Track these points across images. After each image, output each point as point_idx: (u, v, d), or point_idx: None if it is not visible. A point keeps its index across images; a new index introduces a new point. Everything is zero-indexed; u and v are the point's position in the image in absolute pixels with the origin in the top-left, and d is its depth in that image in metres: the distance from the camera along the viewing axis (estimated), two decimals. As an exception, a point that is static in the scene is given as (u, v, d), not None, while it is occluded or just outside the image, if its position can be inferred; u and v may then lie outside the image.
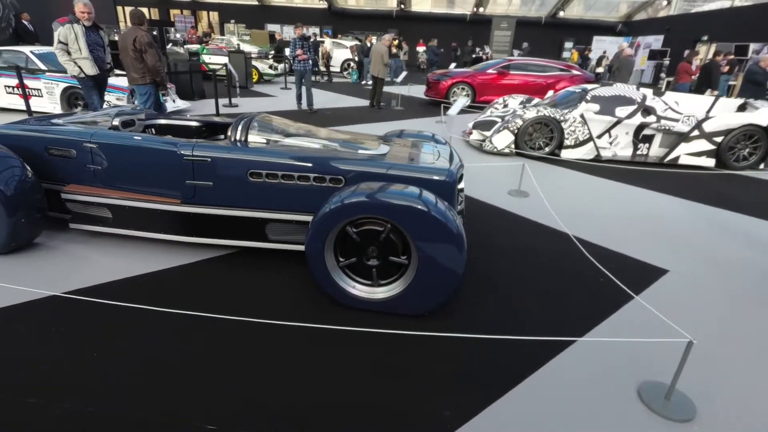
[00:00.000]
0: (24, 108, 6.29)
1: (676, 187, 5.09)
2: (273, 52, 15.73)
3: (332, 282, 2.37)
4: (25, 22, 10.45)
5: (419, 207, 2.16)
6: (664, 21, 21.34)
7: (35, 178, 2.78)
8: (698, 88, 9.57)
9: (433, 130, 4.12)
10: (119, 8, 19.12)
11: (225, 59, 11.25)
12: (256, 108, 8.94)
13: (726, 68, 11.49)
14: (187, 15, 26.99)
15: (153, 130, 3.48)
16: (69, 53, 4.85)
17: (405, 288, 2.31)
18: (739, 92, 9.25)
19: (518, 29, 19.62)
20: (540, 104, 6.86)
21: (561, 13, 24.58)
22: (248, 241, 2.80)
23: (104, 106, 5.41)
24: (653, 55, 19.13)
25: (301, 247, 2.59)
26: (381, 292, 2.37)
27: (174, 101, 7.79)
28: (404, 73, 11.05)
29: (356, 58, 15.48)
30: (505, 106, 7.29)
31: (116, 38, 13.24)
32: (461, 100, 5.89)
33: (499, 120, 6.44)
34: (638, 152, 6.03)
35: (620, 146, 6.02)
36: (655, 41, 19.59)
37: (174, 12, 27.07)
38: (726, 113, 6.00)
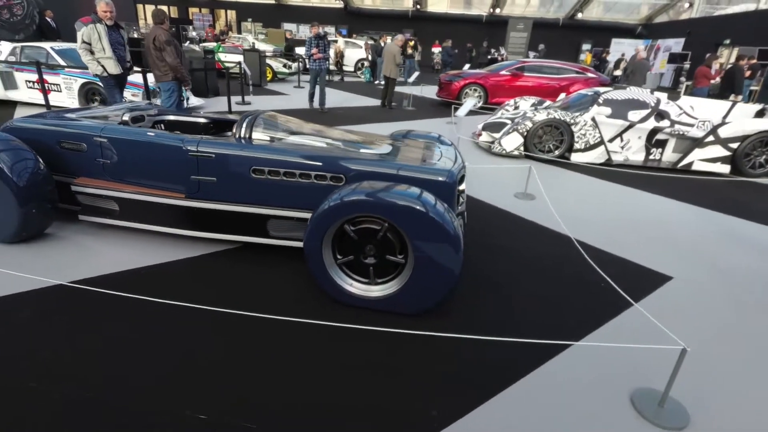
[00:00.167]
0: (43, 102, 6.46)
1: (689, 193, 4.99)
2: (282, 50, 15.86)
3: (329, 279, 2.40)
4: (49, 19, 10.73)
5: (416, 207, 2.17)
6: (685, 24, 20.91)
7: (47, 171, 2.86)
8: (721, 93, 9.38)
9: (443, 131, 4.13)
10: (139, 6, 19.50)
11: (240, 57, 11.40)
12: (269, 106, 9.04)
13: (748, 73, 11.21)
14: (205, 13, 27.40)
15: (162, 125, 3.55)
16: (92, 53, 4.96)
17: (401, 287, 2.33)
18: (758, 97, 9.02)
19: (535, 31, 19.44)
20: (551, 107, 6.80)
21: (579, 15, 24.26)
22: (250, 236, 2.84)
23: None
24: (673, 58, 18.76)
25: (302, 244, 2.62)
26: (377, 291, 2.39)
27: (188, 98, 7.92)
28: (416, 73, 11.07)
29: (369, 57, 15.51)
30: (516, 108, 7.23)
31: (135, 35, 13.55)
32: (470, 101, 5.88)
33: (508, 122, 6.39)
34: (651, 157, 5.93)
35: (632, 150, 5.92)
36: (676, 44, 19.21)
37: (193, 10, 27.51)
38: (743, 119, 5.86)
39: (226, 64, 9.37)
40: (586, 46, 23.70)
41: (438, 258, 2.21)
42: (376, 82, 14.49)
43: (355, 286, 2.42)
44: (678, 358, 1.76)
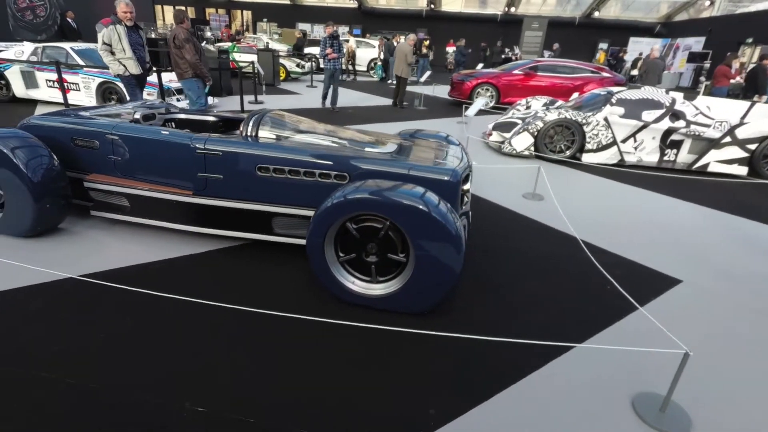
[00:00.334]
0: (62, 101, 6.64)
1: (703, 195, 4.88)
2: (291, 49, 15.94)
3: (331, 276, 2.42)
4: (70, 20, 11.02)
5: (418, 206, 2.17)
6: (706, 22, 20.40)
7: (61, 167, 2.94)
8: (745, 94, 9.16)
9: (453, 131, 4.12)
10: (158, 7, 19.85)
11: (254, 57, 11.52)
12: (281, 105, 9.12)
13: (771, 72, 10.89)
14: (221, 14, 27.76)
15: (173, 123, 3.62)
16: (113, 54, 5.05)
17: (402, 286, 2.33)
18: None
19: (550, 30, 19.18)
20: (563, 107, 6.71)
21: (596, 14, 23.87)
22: (255, 233, 2.88)
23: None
24: (693, 57, 18.33)
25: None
26: (378, 289, 2.40)
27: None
28: (428, 73, 11.04)
29: (382, 56, 15.51)
30: (528, 107, 7.16)
31: (153, 36, 13.81)
32: (479, 101, 5.85)
33: (519, 122, 6.34)
34: (665, 158, 5.82)
35: (646, 151, 5.82)
36: (696, 43, 18.77)
37: (209, 11, 27.90)
38: (762, 119, 5.70)
39: (240, 64, 9.49)
40: (602, 45, 23.31)
41: (439, 257, 2.20)
42: (389, 81, 14.49)
43: (357, 284, 2.43)
44: (680, 362, 1.73)
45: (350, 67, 15.74)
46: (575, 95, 7.67)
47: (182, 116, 3.68)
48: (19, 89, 7.62)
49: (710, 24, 19.70)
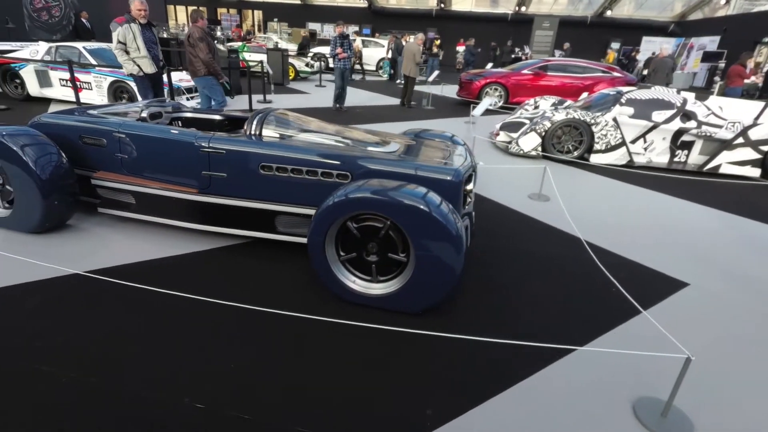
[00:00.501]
0: (74, 100, 6.74)
1: (714, 197, 4.80)
2: (296, 48, 15.98)
3: (332, 275, 2.42)
4: (84, 20, 11.18)
5: (419, 206, 2.16)
6: (721, 21, 20.03)
7: (69, 165, 2.99)
8: (761, 94, 8.99)
9: (461, 131, 4.10)
10: (170, 7, 20.07)
11: (264, 56, 11.59)
12: (289, 104, 9.16)
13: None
14: (233, 14, 27.98)
15: (179, 122, 3.66)
16: (127, 53, 5.10)
17: (402, 285, 2.32)
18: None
19: (561, 29, 18.98)
20: (571, 106, 6.64)
21: (608, 13, 23.58)
22: (258, 232, 2.90)
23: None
24: (708, 57, 18.01)
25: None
26: (378, 288, 2.40)
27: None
28: (437, 72, 11.00)
29: (390, 55, 15.49)
30: (536, 107, 7.10)
31: (164, 35, 13.96)
32: (486, 101, 5.82)
33: (527, 121, 6.28)
34: (676, 159, 5.73)
35: (656, 152, 5.73)
36: (711, 42, 18.44)
37: (221, 11, 28.13)
38: (777, 120, 5.59)
39: (249, 63, 9.55)
40: (614, 45, 23.00)
41: (439, 257, 2.20)
42: (398, 81, 14.47)
43: (357, 283, 2.43)
44: (682, 367, 1.70)
45: (357, 67, 15.76)
46: (584, 95, 7.58)
47: (189, 115, 3.72)
48: (33, 88, 7.76)
49: (725, 23, 19.34)
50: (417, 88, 10.57)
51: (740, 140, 5.41)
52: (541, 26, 18.58)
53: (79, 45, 7.69)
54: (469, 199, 2.81)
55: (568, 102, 7.24)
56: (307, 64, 14.15)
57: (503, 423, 1.77)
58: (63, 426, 1.62)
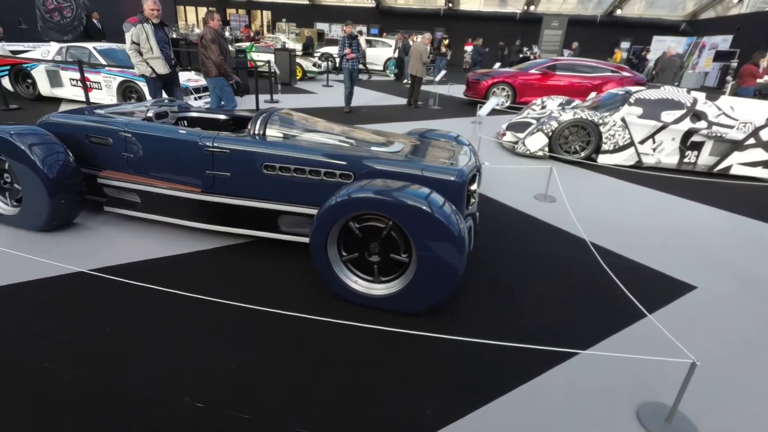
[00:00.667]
0: (84, 99, 6.82)
1: (724, 199, 4.72)
2: (301, 48, 16.01)
3: (333, 275, 2.42)
4: (95, 21, 11.32)
5: (421, 207, 2.15)
6: (733, 20, 19.71)
7: (76, 164, 3.02)
8: None
9: (467, 131, 4.08)
10: (180, 8, 20.23)
11: (271, 56, 11.64)
12: (296, 104, 9.19)
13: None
14: (242, 14, 28.14)
15: (185, 122, 3.68)
16: (140, 53, 5.10)
17: (404, 286, 2.31)
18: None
19: (570, 28, 18.81)
20: (579, 106, 6.58)
21: (618, 12, 23.32)
22: (262, 231, 2.90)
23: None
24: (720, 56, 17.74)
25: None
26: (379, 289, 2.39)
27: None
28: (443, 72, 10.96)
29: (396, 54, 15.46)
30: (543, 107, 7.04)
31: (174, 36, 14.08)
32: (492, 101, 5.78)
33: (534, 121, 6.24)
34: (685, 160, 5.64)
35: (665, 153, 5.65)
36: (723, 42, 18.16)
37: (230, 11, 28.30)
38: (789, 121, 5.48)
39: (257, 63, 9.59)
40: (624, 44, 22.75)
41: (442, 258, 2.18)
42: (404, 81, 14.45)
43: (359, 284, 2.43)
44: (687, 372, 1.67)
45: (362, 66, 15.76)
46: (592, 95, 7.51)
47: (194, 114, 3.74)
48: (44, 88, 7.86)
49: (738, 22, 19.02)
50: (424, 87, 10.54)
51: (752, 141, 5.31)
52: (550, 25, 18.44)
53: (90, 45, 7.78)
54: (473, 200, 2.79)
55: (576, 102, 7.17)
56: (314, 64, 14.18)
57: (505, 426, 1.75)
58: (64, 424, 1.63)
